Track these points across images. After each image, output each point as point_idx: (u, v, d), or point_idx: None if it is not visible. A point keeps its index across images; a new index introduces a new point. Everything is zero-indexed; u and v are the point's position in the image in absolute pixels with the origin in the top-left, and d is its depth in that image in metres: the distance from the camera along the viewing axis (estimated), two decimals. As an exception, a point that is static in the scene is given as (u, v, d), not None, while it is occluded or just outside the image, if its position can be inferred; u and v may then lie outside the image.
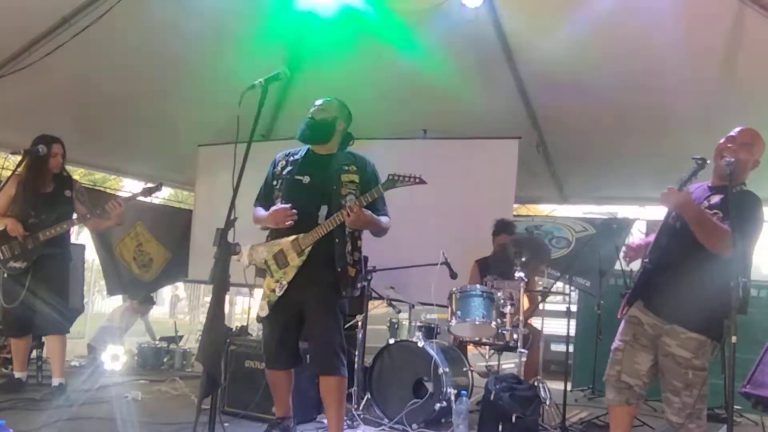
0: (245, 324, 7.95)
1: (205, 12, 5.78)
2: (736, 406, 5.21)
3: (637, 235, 7.28)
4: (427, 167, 6.13)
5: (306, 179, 3.62)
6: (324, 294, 3.54)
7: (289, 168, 3.70)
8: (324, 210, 3.53)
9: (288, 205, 3.53)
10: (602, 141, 6.86)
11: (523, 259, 4.90)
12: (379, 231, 3.71)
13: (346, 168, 3.64)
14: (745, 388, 3.84)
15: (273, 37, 6.25)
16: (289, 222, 3.51)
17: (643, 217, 7.81)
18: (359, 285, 3.74)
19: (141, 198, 4.84)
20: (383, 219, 3.65)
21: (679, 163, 6.07)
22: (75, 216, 4.74)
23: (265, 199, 3.75)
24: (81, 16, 5.39)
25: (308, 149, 3.75)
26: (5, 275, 4.63)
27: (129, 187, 10.45)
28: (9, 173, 4.45)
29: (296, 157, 3.74)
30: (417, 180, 3.43)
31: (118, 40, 5.77)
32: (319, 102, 3.74)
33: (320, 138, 3.68)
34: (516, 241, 5.17)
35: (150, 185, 4.85)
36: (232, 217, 2.49)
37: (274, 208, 3.59)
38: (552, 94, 6.59)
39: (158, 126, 7.11)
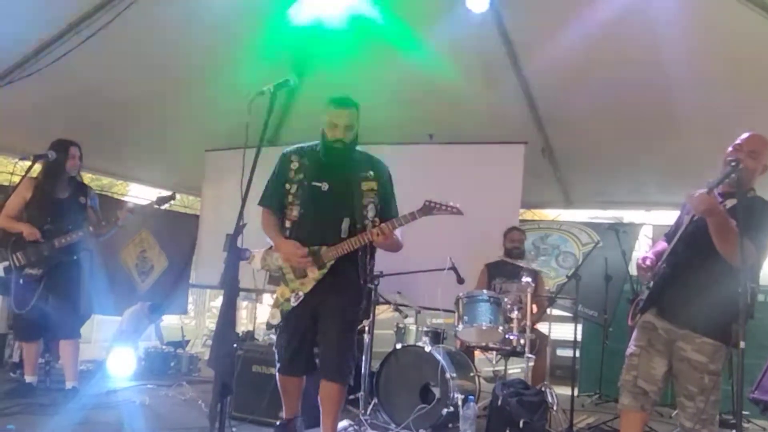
0: (251, 329, 7.95)
1: (213, 18, 5.80)
2: (744, 412, 5.20)
3: (643, 241, 7.28)
4: (433, 172, 6.26)
5: (325, 186, 3.51)
6: (344, 306, 3.51)
7: (303, 173, 3.55)
8: (346, 223, 3.47)
9: (305, 251, 3.43)
10: (608, 145, 6.86)
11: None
12: (396, 250, 3.64)
13: (364, 174, 3.55)
14: (754, 394, 3.82)
15: (280, 43, 6.27)
16: (300, 266, 3.46)
17: (649, 222, 7.82)
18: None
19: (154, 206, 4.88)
20: (397, 233, 3.56)
21: (686, 168, 6.16)
22: (88, 225, 4.75)
23: (275, 199, 3.59)
24: (88, 23, 5.42)
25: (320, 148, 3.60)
26: (21, 281, 4.65)
27: (135, 192, 10.46)
28: (18, 178, 4.46)
29: (309, 160, 3.59)
30: (454, 210, 3.36)
31: (124, 47, 5.79)
32: (344, 119, 3.50)
33: (350, 155, 3.60)
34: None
35: (164, 194, 4.88)
36: (241, 223, 2.49)
37: (291, 244, 3.47)
38: (558, 98, 6.61)
39: (165, 131, 7.13)
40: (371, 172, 3.57)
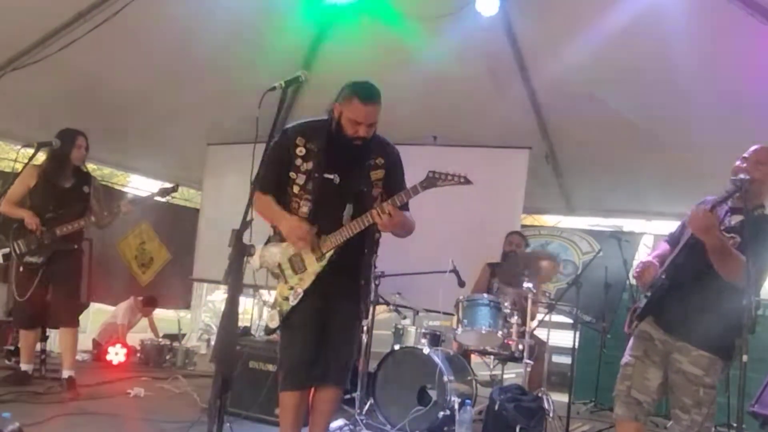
0: (248, 325, 7.93)
1: (219, 12, 5.80)
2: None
3: (643, 250, 7.28)
4: (436, 174, 6.21)
5: (337, 179, 3.14)
6: (351, 309, 3.27)
7: (311, 163, 3.15)
8: (349, 209, 3.10)
9: (314, 230, 3.10)
10: (612, 154, 6.86)
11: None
12: (407, 233, 3.26)
13: (374, 162, 3.20)
14: (754, 408, 3.80)
15: (286, 39, 6.26)
16: (301, 245, 3.12)
17: (649, 232, 7.82)
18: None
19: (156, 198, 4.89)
20: (407, 215, 3.22)
21: (687, 179, 6.14)
22: (91, 214, 4.74)
23: (274, 184, 3.16)
24: (96, 12, 5.42)
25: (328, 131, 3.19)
26: (20, 269, 4.64)
27: (136, 183, 10.44)
28: (21, 166, 4.45)
29: (317, 146, 3.17)
30: (462, 179, 2.98)
31: (131, 38, 5.79)
32: (371, 116, 3.07)
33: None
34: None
35: (166, 186, 4.87)
36: (248, 219, 2.46)
37: (295, 218, 3.11)
38: (563, 105, 6.60)
39: (168, 124, 7.11)
40: (380, 159, 3.23)
